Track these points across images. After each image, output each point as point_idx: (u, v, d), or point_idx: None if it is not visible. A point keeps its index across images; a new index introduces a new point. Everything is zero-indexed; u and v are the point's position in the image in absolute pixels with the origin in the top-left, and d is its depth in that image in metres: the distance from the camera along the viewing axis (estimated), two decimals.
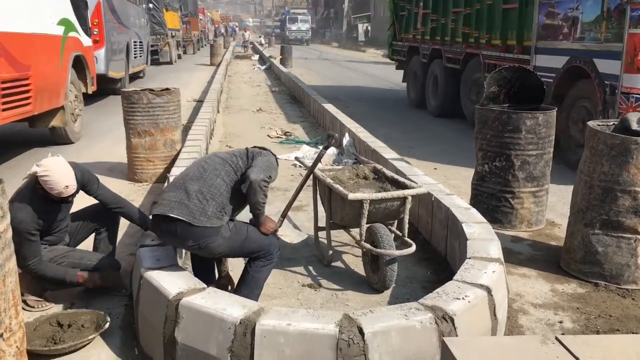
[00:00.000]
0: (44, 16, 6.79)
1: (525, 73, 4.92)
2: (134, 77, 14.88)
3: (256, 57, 29.48)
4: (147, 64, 16.49)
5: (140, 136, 5.65)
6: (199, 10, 39.17)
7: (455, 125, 9.93)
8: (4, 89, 5.51)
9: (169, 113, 5.72)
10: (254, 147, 3.20)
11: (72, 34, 7.64)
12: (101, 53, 10.56)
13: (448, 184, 4.69)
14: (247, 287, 3.04)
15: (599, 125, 3.82)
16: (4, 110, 5.53)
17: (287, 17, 53.02)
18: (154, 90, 5.67)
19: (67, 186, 3.04)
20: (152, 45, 18.26)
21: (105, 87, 11.09)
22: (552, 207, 4.92)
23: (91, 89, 8.54)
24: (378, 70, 22.71)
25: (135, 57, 13.96)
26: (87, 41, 8.50)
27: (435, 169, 6.61)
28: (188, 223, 2.76)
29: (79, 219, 3.45)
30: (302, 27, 51.60)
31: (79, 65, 8.03)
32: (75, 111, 7.74)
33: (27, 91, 6.07)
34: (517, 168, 4.53)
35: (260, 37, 52.69)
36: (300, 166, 6.22)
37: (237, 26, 64.80)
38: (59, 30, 7.19)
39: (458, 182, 5.90)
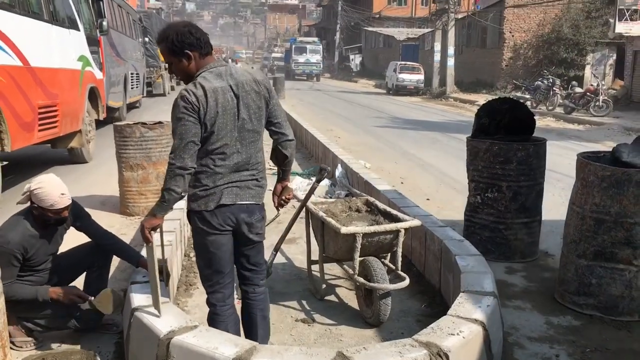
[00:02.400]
0: (68, 53, 7.97)
1: (515, 104, 4.96)
2: (131, 106, 15.35)
3: None
4: (143, 94, 17.16)
5: (133, 169, 5.64)
6: None
7: None
8: (40, 113, 6.59)
9: (161, 146, 5.72)
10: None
11: (88, 68, 8.92)
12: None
13: (441, 215, 4.68)
14: (266, 327, 2.93)
15: (589, 156, 3.85)
16: (39, 130, 6.64)
17: (294, 46, 41.84)
18: (146, 124, 5.69)
19: (62, 194, 2.98)
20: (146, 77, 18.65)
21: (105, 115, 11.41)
22: (544, 238, 4.92)
23: (102, 115, 9.80)
24: (369, 100, 22.92)
25: (132, 88, 14.62)
26: (99, 74, 9.70)
27: (427, 199, 6.62)
28: (256, 203, 2.78)
29: (69, 258, 3.37)
30: (312, 59, 40.27)
31: (92, 95, 9.17)
32: (89, 135, 8.82)
33: (55, 116, 7.14)
34: (509, 199, 4.54)
35: (252, 67, 52.16)
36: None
37: (230, 58, 65.69)
38: (79, 66, 8.43)
39: (451, 212, 5.90)
